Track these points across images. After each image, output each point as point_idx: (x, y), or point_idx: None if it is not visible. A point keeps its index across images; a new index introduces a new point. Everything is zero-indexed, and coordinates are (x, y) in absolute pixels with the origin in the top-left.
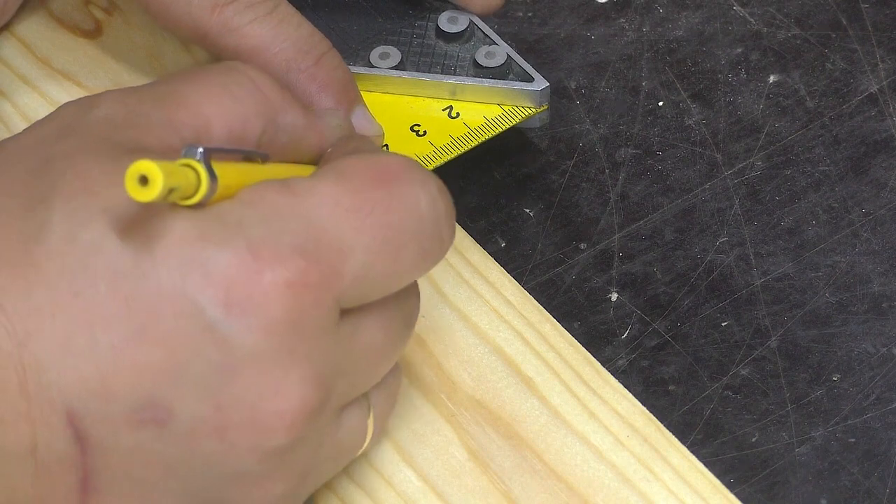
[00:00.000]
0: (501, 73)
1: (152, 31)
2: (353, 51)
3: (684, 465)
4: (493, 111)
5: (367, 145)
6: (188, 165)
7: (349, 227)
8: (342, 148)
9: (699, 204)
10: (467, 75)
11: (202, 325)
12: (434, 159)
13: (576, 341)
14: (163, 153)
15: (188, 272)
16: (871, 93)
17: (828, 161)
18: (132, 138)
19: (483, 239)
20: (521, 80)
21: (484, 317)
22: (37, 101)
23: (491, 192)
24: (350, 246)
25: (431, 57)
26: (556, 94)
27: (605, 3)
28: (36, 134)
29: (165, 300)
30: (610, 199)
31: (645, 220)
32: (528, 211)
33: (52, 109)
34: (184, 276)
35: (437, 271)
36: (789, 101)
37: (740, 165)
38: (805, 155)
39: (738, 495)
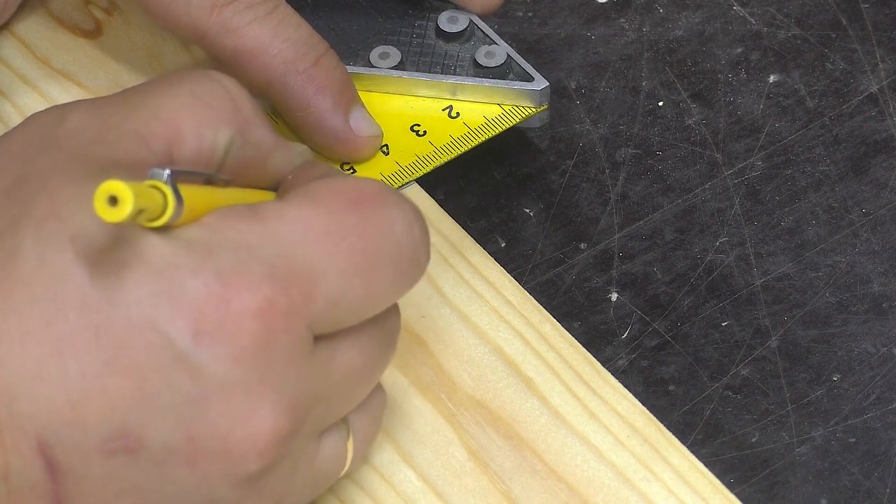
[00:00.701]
0: (501, 72)
1: (152, 31)
2: (353, 51)
3: (684, 465)
4: (494, 111)
5: (335, 171)
6: (155, 187)
7: (321, 251)
8: (308, 173)
9: (699, 204)
10: (467, 75)
11: (173, 355)
12: (434, 159)
13: (576, 341)
14: (133, 167)
15: (157, 302)
16: (871, 93)
17: (828, 161)
18: (103, 153)
19: (483, 239)
20: (521, 80)
21: (484, 317)
22: (37, 101)
23: (491, 192)
24: (322, 271)
25: (431, 57)
26: (556, 94)
27: (605, 3)
28: (7, 147)
29: (135, 330)
30: (610, 199)
31: (645, 220)
32: (528, 211)
33: None
34: (153, 306)
35: (438, 271)
36: (789, 101)
37: (740, 165)
38: (805, 155)
39: (738, 495)
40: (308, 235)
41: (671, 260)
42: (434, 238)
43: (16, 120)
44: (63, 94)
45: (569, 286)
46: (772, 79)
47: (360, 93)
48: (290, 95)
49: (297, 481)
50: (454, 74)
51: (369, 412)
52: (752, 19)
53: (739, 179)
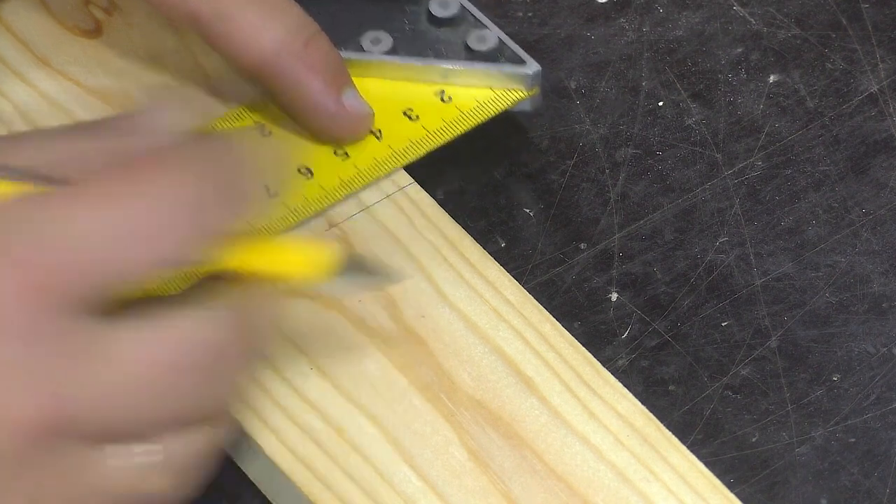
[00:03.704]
0: (493, 56)
1: (152, 31)
2: (345, 36)
3: (684, 465)
4: (486, 95)
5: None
6: None
7: (103, 241)
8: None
9: (699, 204)
10: (459, 59)
11: None
12: (427, 143)
13: (576, 341)
14: None
15: None
16: (871, 93)
17: (828, 161)
18: None
19: (483, 239)
20: (513, 64)
21: (484, 316)
22: (36, 101)
23: (491, 192)
24: (101, 260)
25: (423, 41)
26: (556, 94)
27: (605, 3)
28: None
29: None
30: (610, 199)
31: (645, 220)
32: (528, 211)
33: (51, 109)
34: None
35: (437, 271)
36: (789, 101)
37: (740, 165)
38: (805, 155)
39: (738, 495)
40: (93, 226)
41: (671, 260)
42: (434, 237)
43: (15, 120)
44: (62, 93)
45: (569, 286)
46: (772, 79)
47: (352, 78)
48: (281, 77)
49: (62, 490)
50: (446, 59)
51: (190, 444)
52: (752, 19)
53: (739, 179)
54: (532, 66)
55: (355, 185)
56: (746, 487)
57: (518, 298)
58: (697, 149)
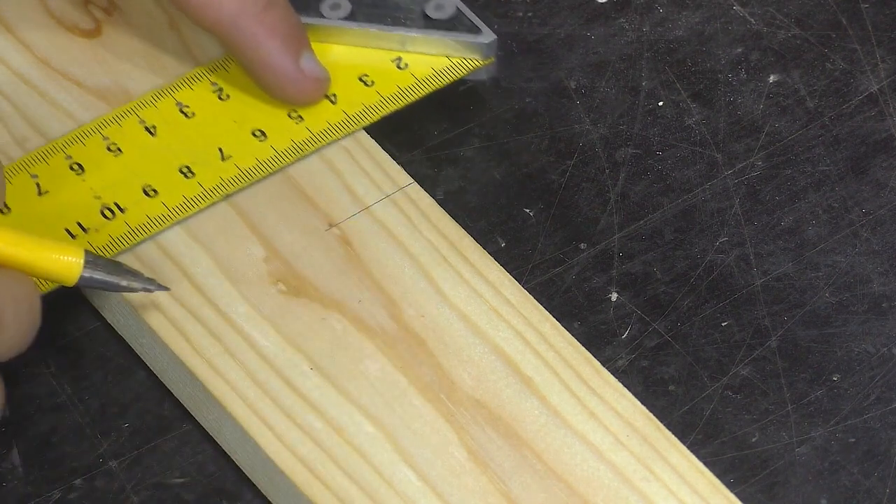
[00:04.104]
0: (450, 25)
1: (152, 32)
2: (305, 1)
3: (684, 465)
4: (442, 63)
5: None
6: None
7: None
8: None
9: (699, 204)
10: (417, 27)
11: None
12: (381, 109)
13: (575, 341)
14: None
15: None
16: (871, 93)
17: (828, 161)
18: None
19: (483, 239)
20: (470, 33)
21: (483, 316)
22: (35, 101)
23: (491, 192)
24: None
25: (381, 9)
26: (556, 94)
27: (605, 3)
28: None
29: None
30: (610, 199)
31: (645, 220)
32: (528, 211)
33: (51, 109)
34: None
35: (437, 271)
36: (789, 101)
37: (740, 165)
38: (805, 155)
39: (738, 495)
40: None
41: (671, 260)
42: (434, 238)
43: (15, 120)
44: (62, 93)
45: (569, 286)
46: (772, 79)
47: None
48: (241, 37)
49: None
50: (404, 26)
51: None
52: (752, 19)
53: (739, 179)
54: (488, 36)
55: (308, 148)
56: (746, 487)
57: (518, 298)
58: (697, 149)
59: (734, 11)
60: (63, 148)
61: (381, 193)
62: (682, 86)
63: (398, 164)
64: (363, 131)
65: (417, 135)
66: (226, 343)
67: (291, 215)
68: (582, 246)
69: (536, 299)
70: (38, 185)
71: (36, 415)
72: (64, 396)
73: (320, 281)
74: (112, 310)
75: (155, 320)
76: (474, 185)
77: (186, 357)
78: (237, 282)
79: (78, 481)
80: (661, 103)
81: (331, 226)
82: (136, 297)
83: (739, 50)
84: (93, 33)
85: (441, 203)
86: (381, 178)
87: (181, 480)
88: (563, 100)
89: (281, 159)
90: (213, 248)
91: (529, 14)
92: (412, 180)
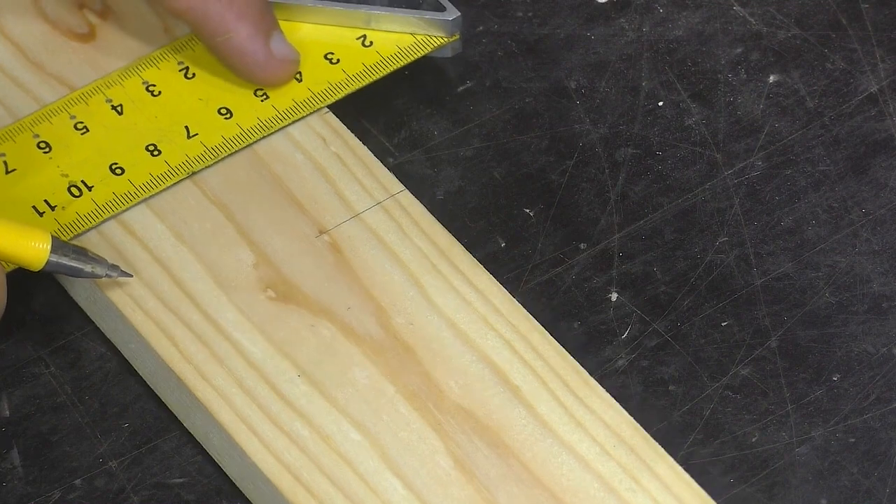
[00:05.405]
0: (415, 2)
1: (146, 36)
2: None
3: (670, 476)
4: (406, 40)
5: None
6: None
7: None
8: None
9: (699, 204)
10: (381, 5)
11: None
12: (346, 86)
13: (563, 350)
14: None
15: None
16: (871, 93)
17: (828, 161)
18: None
19: (483, 239)
20: (434, 10)
21: (472, 325)
22: (30, 105)
23: (491, 192)
24: None
25: None
26: (556, 94)
27: (605, 3)
28: None
29: None
30: (610, 199)
31: (645, 220)
32: (528, 211)
33: (44, 113)
34: None
35: (426, 279)
36: (789, 101)
37: (740, 165)
38: (805, 155)
39: (738, 495)
40: None
41: (671, 260)
42: (424, 245)
43: (8, 123)
44: (56, 98)
45: (569, 286)
46: (772, 79)
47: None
48: (210, 22)
49: None
50: (368, 4)
51: None
52: (752, 19)
53: (739, 179)
54: (452, 13)
55: (273, 126)
56: (746, 487)
57: (507, 307)
58: (697, 149)
59: (734, 11)
60: (30, 126)
61: (372, 200)
62: (681, 86)
63: (398, 164)
64: (355, 138)
65: (417, 135)
66: (213, 349)
67: (282, 222)
68: (582, 246)
69: (536, 299)
70: (5, 163)
71: (36, 415)
72: (64, 396)
73: (309, 288)
74: (101, 315)
75: (143, 326)
76: (474, 185)
77: (174, 363)
78: (226, 288)
79: (78, 481)
80: (660, 103)
81: (321, 233)
82: (125, 304)
83: (739, 50)
84: (87, 37)
85: (441, 203)
86: (372, 186)
87: (181, 480)
88: (563, 100)
89: (247, 137)
90: (203, 253)
91: (529, 14)
92: (403, 187)
